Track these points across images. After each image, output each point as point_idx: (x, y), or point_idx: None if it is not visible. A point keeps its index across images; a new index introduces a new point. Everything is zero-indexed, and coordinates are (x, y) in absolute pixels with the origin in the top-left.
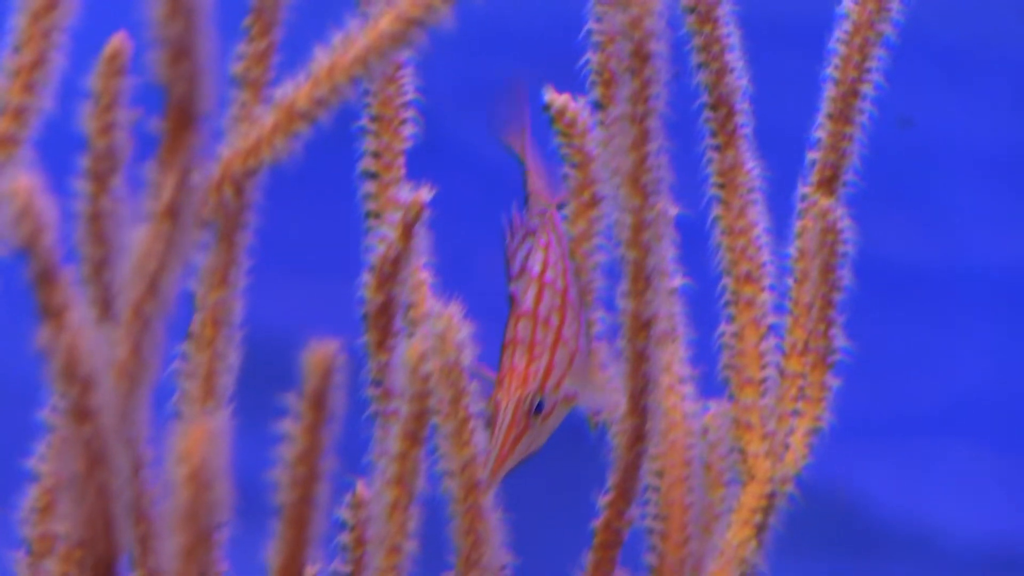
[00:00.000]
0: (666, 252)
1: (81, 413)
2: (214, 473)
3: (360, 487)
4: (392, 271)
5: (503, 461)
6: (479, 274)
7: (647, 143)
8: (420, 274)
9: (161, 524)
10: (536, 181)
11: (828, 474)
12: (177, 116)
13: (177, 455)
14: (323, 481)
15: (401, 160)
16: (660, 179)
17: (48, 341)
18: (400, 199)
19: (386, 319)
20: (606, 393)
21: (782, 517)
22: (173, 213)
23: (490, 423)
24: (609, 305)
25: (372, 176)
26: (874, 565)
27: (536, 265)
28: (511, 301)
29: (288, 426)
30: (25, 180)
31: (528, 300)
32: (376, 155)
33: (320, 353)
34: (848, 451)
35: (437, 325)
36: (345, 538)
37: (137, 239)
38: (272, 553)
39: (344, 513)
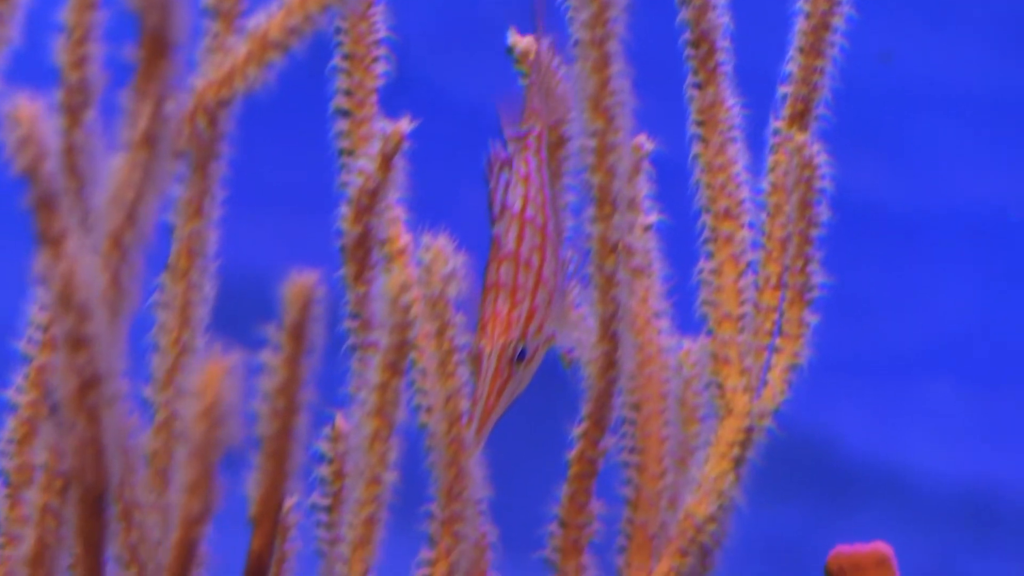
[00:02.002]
0: (641, 187)
1: (76, 341)
2: (227, 410)
3: (339, 420)
4: (370, 203)
5: (489, 413)
6: (454, 213)
7: (608, 66)
8: (394, 210)
9: (139, 457)
10: (535, 98)
11: (801, 414)
12: (151, 45)
13: (192, 390)
14: (303, 413)
15: (373, 98)
16: (623, 102)
17: (45, 268)
18: (379, 129)
19: (363, 251)
20: (581, 330)
21: (759, 453)
22: (149, 142)
23: (472, 369)
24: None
25: (345, 114)
26: (847, 506)
27: (516, 201)
28: (493, 242)
29: (267, 358)
30: (27, 106)
31: (510, 241)
32: (348, 93)
33: (299, 284)
34: (822, 391)
35: (424, 256)
36: (324, 471)
37: (114, 168)
38: (251, 485)
39: (323, 446)
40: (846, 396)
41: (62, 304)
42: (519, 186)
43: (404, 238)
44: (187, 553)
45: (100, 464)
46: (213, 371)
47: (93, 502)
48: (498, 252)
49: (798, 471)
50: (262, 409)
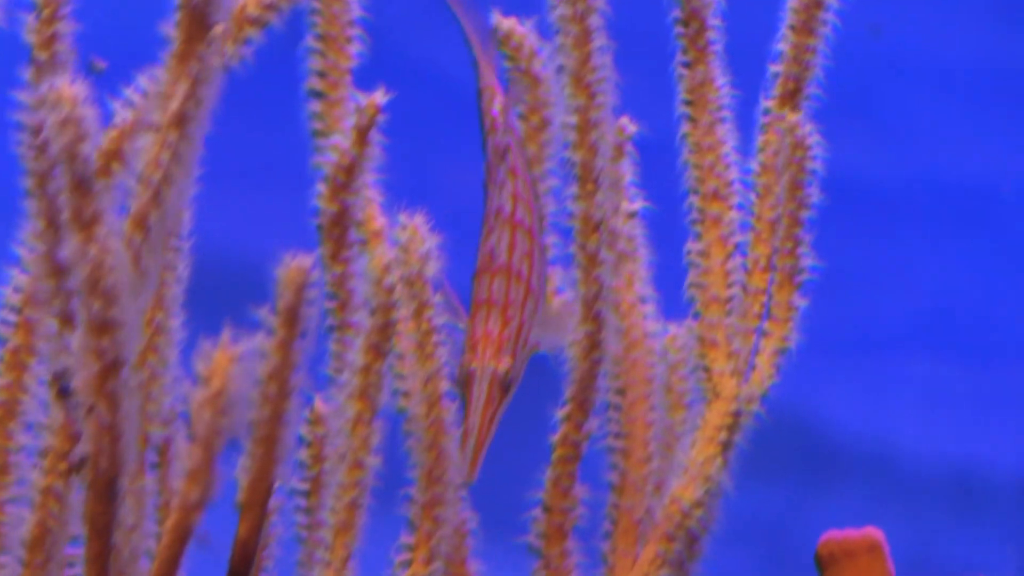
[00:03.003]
0: (625, 171)
1: (102, 325)
2: (234, 399)
3: (318, 402)
4: (346, 179)
5: (483, 447)
6: (432, 192)
7: (589, 41)
8: (369, 191)
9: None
10: (489, 75)
11: (785, 393)
12: (191, 23)
13: (199, 377)
14: (294, 399)
15: (347, 79)
16: (605, 78)
17: (75, 252)
18: (355, 103)
19: (340, 230)
20: (564, 331)
21: (747, 437)
22: (181, 122)
23: (461, 389)
24: (563, 231)
25: (318, 95)
26: (831, 486)
27: (507, 202)
28: (485, 219)
29: (260, 343)
30: (70, 88)
31: (502, 251)
32: (322, 74)
33: (294, 268)
34: (805, 370)
35: (401, 235)
36: (303, 455)
37: (143, 148)
38: (241, 471)
39: (302, 429)
40: (830, 375)
41: (90, 288)
42: (508, 182)
43: (379, 220)
44: (182, 538)
45: (116, 450)
46: (221, 359)
47: (105, 487)
48: (491, 263)
49: (782, 452)
50: (253, 394)
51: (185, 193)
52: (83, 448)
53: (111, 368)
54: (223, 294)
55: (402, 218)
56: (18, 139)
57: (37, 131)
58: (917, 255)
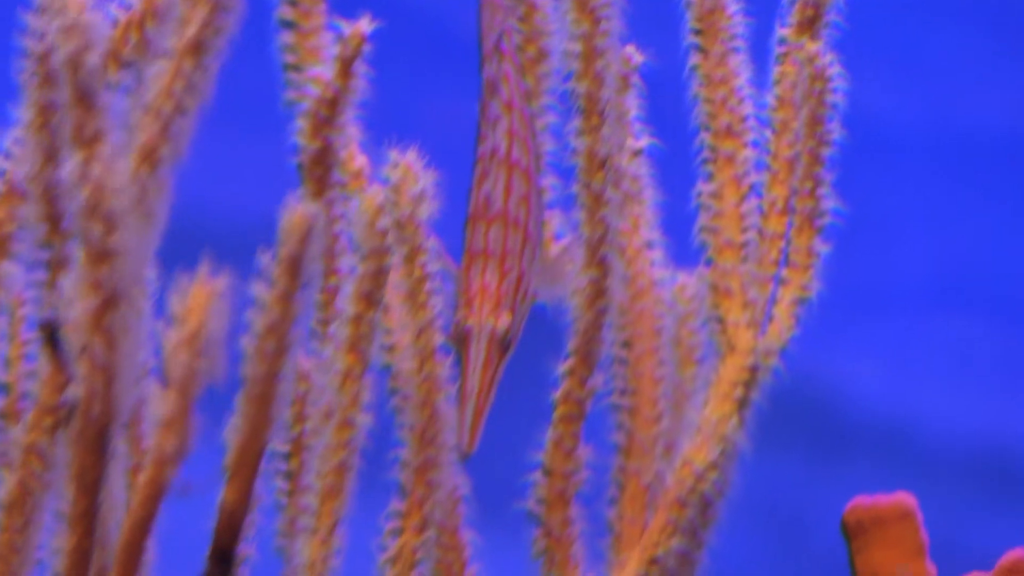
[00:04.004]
0: (631, 105)
1: (100, 253)
2: (212, 339)
3: (301, 357)
4: (329, 114)
5: (483, 411)
6: (419, 129)
7: None
8: (349, 128)
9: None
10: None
11: (795, 358)
12: None
13: (174, 317)
14: (292, 355)
15: (321, 7)
16: (610, 3)
17: (76, 171)
18: (337, 32)
19: (322, 169)
20: (564, 281)
21: (765, 393)
22: (196, 50)
23: (456, 347)
24: (562, 173)
25: (290, 26)
26: (847, 463)
27: (502, 140)
28: (478, 161)
29: (260, 292)
30: None
31: (498, 196)
32: (293, 3)
33: (299, 214)
34: (818, 332)
35: (392, 174)
36: (285, 414)
37: (154, 77)
38: (231, 431)
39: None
40: (845, 337)
41: (89, 211)
42: (503, 118)
43: (359, 160)
44: (155, 495)
45: (110, 394)
46: (198, 296)
47: (95, 437)
48: (487, 210)
49: (790, 424)
50: (249, 349)
51: (193, 129)
52: (74, 391)
53: (109, 301)
54: (190, 245)
55: (393, 155)
56: (19, 47)
57: (40, 37)
58: (943, 204)
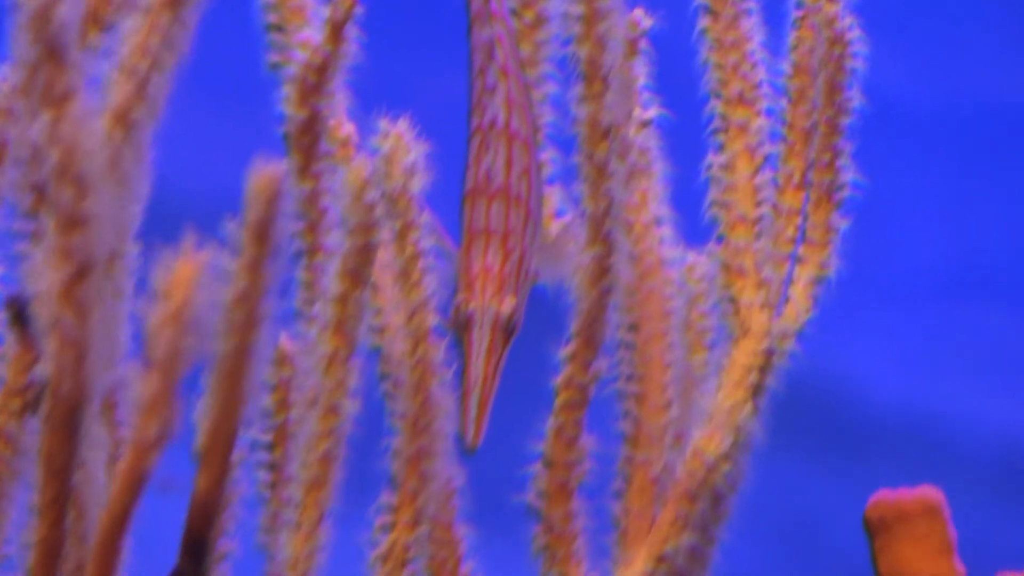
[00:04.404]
0: (638, 73)
1: (72, 219)
2: (197, 316)
3: (284, 339)
4: (318, 80)
5: (487, 402)
6: (405, 97)
7: None
8: (337, 95)
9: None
10: None
11: (807, 350)
12: None
13: (158, 292)
14: (264, 328)
15: None
16: None
17: (45, 131)
18: None
19: (310, 139)
20: (565, 260)
21: (780, 379)
22: (174, 3)
23: (457, 333)
24: (562, 144)
25: None
26: (864, 463)
27: (499, 110)
28: (472, 139)
29: (226, 262)
30: None
31: (499, 170)
32: None
33: (265, 176)
34: (831, 321)
35: (383, 144)
36: (266, 401)
37: (129, 32)
38: (202, 411)
39: (265, 372)
40: (859, 328)
41: (59, 174)
42: (500, 85)
43: (346, 128)
44: (136, 484)
45: (81, 371)
46: (183, 270)
47: (64, 417)
48: (488, 186)
49: (802, 421)
50: (218, 322)
51: (169, 89)
52: (43, 370)
53: (81, 271)
54: (171, 220)
55: (383, 124)
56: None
57: None
58: (966, 187)
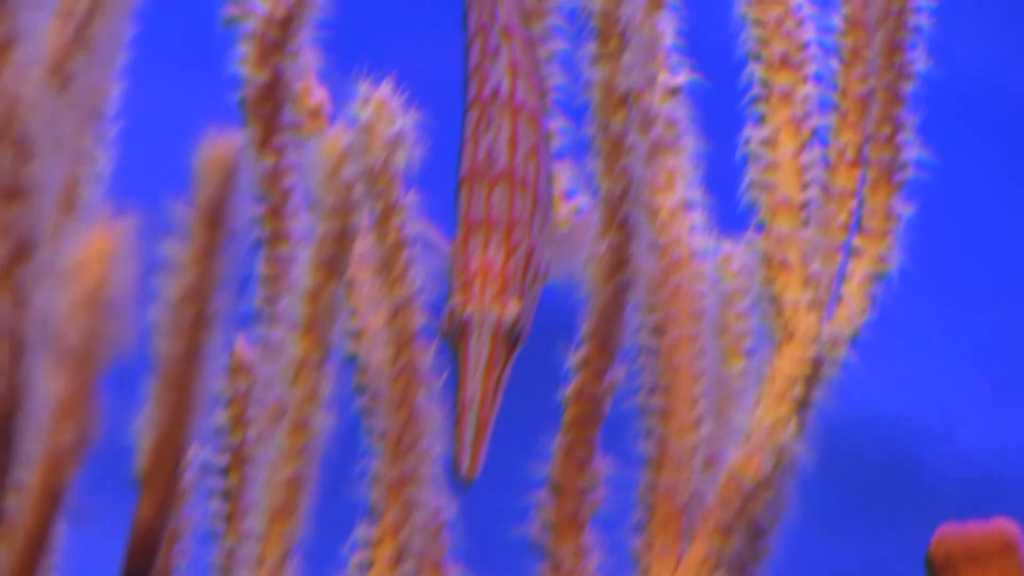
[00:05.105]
0: (664, 30)
1: (12, 187)
2: (117, 297)
3: (240, 345)
4: (280, 37)
5: (487, 423)
6: (387, 58)
7: None
8: (305, 56)
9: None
10: None
11: (858, 390)
12: None
13: (70, 269)
14: (216, 328)
15: None
16: None
17: None
18: None
19: (271, 107)
20: (579, 252)
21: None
22: None
23: (451, 342)
24: (573, 112)
25: None
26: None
27: (503, 76)
28: (470, 118)
29: (172, 250)
30: None
31: (501, 148)
32: None
33: (217, 150)
34: (887, 355)
35: (362, 112)
36: (219, 418)
37: None
38: (144, 424)
39: (218, 383)
40: (946, 370)
41: None
42: (503, 47)
43: (317, 94)
44: (52, 500)
45: (16, 369)
46: (99, 243)
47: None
48: (489, 167)
49: (875, 482)
50: (162, 320)
51: (119, 38)
52: None
53: (21, 249)
54: None
55: (363, 89)
56: None
57: None
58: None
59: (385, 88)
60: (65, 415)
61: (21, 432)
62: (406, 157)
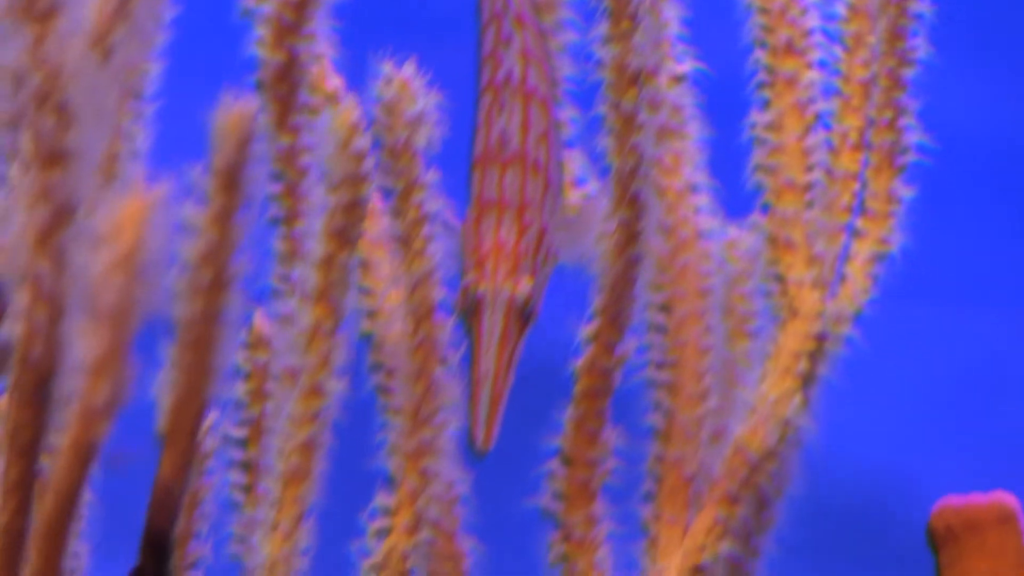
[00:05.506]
0: (669, 17)
1: (53, 154)
2: (149, 259)
3: (258, 319)
4: (296, 19)
5: (501, 397)
6: (401, 43)
7: None
8: (319, 42)
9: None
10: None
11: (870, 452)
12: None
13: (105, 231)
14: (234, 289)
15: None
16: None
17: (26, 53)
18: None
19: (288, 87)
20: (589, 236)
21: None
22: None
23: (465, 319)
24: (583, 100)
25: None
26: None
27: (515, 63)
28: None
29: (191, 214)
30: None
31: (513, 131)
32: None
33: (234, 115)
34: (900, 414)
35: (385, 91)
36: (239, 391)
37: None
38: (165, 386)
39: (237, 356)
40: (917, 418)
41: (41, 101)
42: (516, 36)
43: (333, 81)
44: (84, 458)
45: (54, 332)
46: (133, 208)
47: (32, 387)
48: (502, 151)
49: (864, 549)
50: (181, 283)
51: (158, 17)
52: (9, 330)
53: (60, 215)
54: None
55: (386, 69)
56: None
57: None
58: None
59: (408, 68)
60: (99, 374)
61: (54, 394)
62: (426, 135)
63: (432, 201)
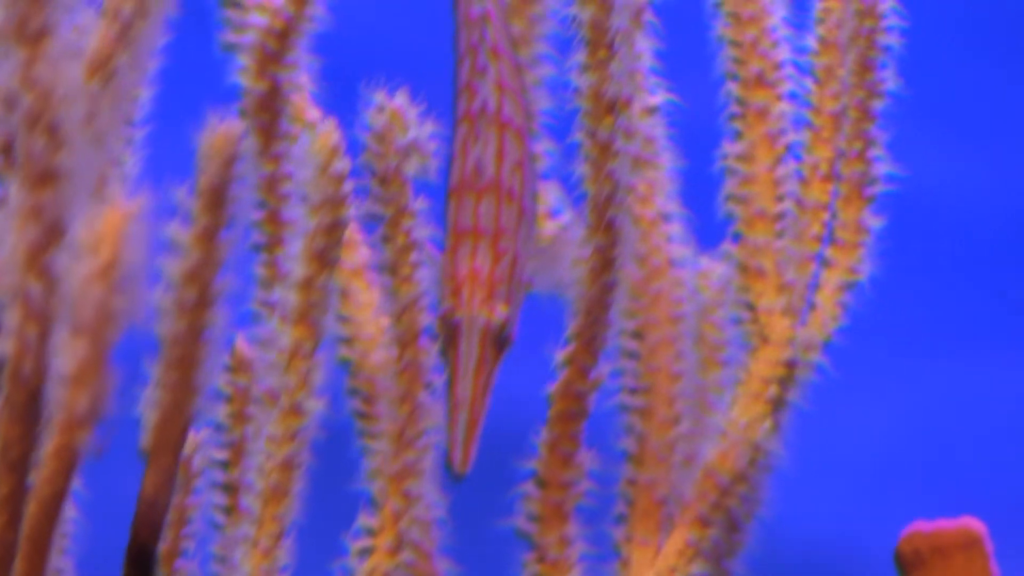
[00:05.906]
0: (642, 50)
1: (43, 174)
2: (131, 270)
3: (240, 343)
4: (279, 48)
5: (477, 422)
6: (380, 73)
7: None
8: (301, 73)
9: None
10: None
11: (838, 525)
12: None
13: (85, 243)
14: (219, 309)
15: None
16: None
17: (16, 73)
18: None
19: (270, 116)
20: (563, 265)
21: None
22: None
23: (443, 345)
24: (559, 132)
25: None
26: None
27: (491, 94)
28: (461, 118)
29: (175, 233)
30: None
31: (488, 161)
32: None
33: (220, 135)
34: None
35: (376, 120)
36: (221, 413)
37: None
38: (146, 406)
39: (219, 379)
40: (888, 491)
41: (32, 121)
42: (491, 66)
43: (312, 112)
44: (67, 467)
45: (44, 349)
46: (114, 218)
47: (23, 403)
48: (477, 179)
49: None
50: (165, 301)
51: (154, 44)
52: (1, 347)
53: (50, 234)
54: None
55: (379, 97)
56: None
57: None
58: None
59: (401, 96)
60: (79, 384)
61: (44, 410)
62: (417, 164)
63: (420, 228)
